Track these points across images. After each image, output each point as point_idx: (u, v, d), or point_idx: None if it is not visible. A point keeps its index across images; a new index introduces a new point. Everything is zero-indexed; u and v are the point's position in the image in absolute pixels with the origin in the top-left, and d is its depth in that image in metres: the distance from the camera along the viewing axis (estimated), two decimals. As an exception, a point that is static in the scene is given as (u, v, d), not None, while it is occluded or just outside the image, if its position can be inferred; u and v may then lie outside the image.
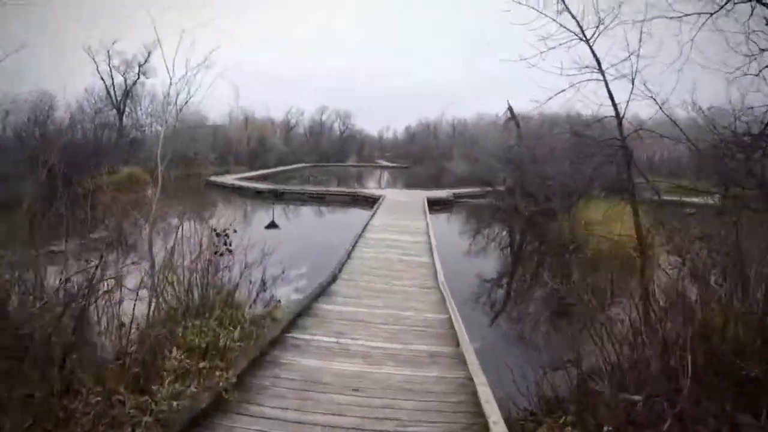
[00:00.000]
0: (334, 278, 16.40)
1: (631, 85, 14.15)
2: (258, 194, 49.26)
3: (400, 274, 18.07)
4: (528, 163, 38.54)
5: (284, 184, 55.76)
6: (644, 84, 13.67)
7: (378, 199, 42.12)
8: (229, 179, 58.17)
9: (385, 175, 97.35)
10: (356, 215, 37.96)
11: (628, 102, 14.67)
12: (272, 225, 32.50)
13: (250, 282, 13.23)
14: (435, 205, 43.19)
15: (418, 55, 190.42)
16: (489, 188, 48.22)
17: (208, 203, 46.38)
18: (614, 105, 14.88)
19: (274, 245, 15.35)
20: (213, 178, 59.24)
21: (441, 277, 17.47)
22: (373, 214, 32.99)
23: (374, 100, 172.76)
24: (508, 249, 33.75)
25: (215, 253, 12.18)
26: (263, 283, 13.47)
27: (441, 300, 14.85)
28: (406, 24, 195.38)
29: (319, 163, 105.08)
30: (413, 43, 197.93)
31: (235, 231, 12.81)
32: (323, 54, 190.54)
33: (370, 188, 58.59)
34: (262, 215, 36.88)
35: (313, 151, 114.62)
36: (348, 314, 12.83)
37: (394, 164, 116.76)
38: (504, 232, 38.44)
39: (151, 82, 73.67)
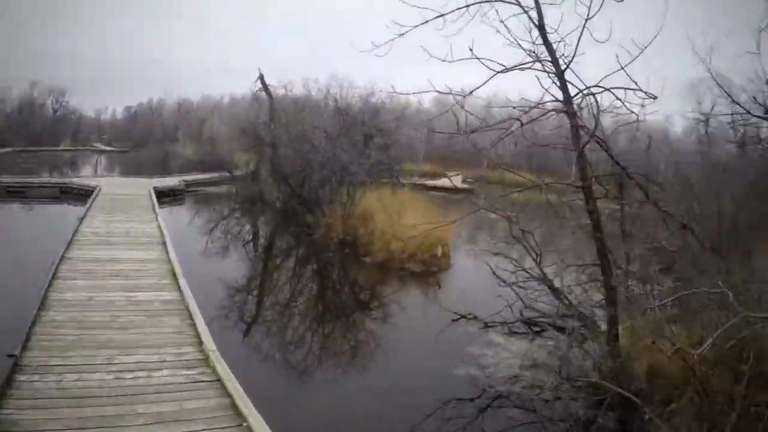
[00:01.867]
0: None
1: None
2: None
3: (134, 337, 10.28)
4: (285, 144, 31.11)
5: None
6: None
7: (92, 191, 32.81)
8: None
9: (103, 160, 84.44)
10: (64, 215, 28.41)
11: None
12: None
13: None
14: (164, 197, 35.18)
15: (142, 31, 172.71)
16: (228, 173, 40.07)
17: None
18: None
19: None
20: None
21: (210, 341, 9.89)
22: (85, 215, 24.04)
23: (91, 78, 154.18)
24: (274, 251, 26.56)
25: None
26: None
27: (235, 417, 7.50)
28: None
29: (28, 148, 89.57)
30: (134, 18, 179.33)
31: None
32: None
33: (85, 176, 46.83)
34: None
35: (22, 133, 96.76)
36: None
37: (113, 148, 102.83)
38: (261, 228, 31.10)
39: None
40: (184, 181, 41.47)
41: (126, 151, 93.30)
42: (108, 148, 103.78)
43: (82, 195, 34.20)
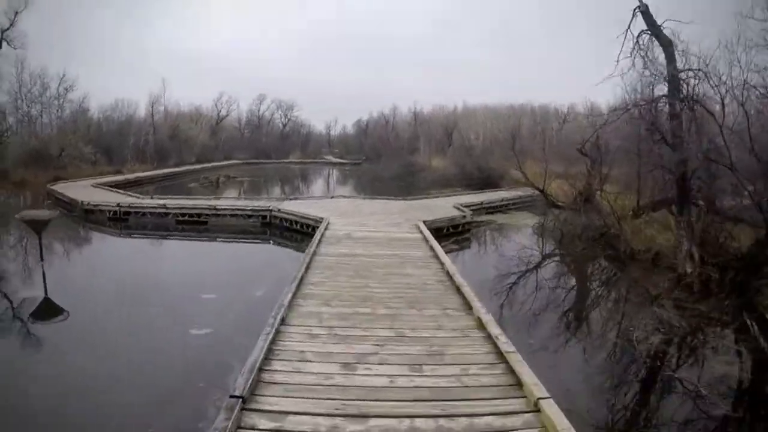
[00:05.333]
0: None
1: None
2: (89, 214, 24.04)
3: None
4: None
5: (169, 192, 31.66)
6: None
7: (315, 226, 17.27)
8: (71, 187, 32.09)
9: (335, 172, 71.99)
10: (257, 279, 13.41)
11: None
12: (45, 308, 11.48)
13: None
14: (443, 237, 18.36)
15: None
16: (537, 191, 22.38)
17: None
18: None
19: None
20: (56, 187, 32.95)
21: None
22: (284, 314, 7.75)
23: (321, 94, 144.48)
24: None
25: None
26: None
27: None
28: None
29: (254, 160, 79.90)
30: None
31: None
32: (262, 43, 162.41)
33: (307, 198, 29.62)
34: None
35: (250, 147, 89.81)
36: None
37: (345, 160, 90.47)
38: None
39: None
40: (463, 206, 23.22)
41: (358, 163, 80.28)
42: (339, 161, 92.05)
43: (297, 232, 19.16)
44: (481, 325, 7.64)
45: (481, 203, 25.84)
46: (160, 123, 66.42)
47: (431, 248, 13.56)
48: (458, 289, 9.67)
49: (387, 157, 65.65)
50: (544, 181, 22.04)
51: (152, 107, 64.97)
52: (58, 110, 54.41)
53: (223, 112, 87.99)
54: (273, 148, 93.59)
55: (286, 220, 20.23)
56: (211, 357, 8.58)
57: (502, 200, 27.30)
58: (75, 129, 50.53)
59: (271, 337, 6.65)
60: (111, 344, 9.31)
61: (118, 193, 28.77)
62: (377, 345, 6.93)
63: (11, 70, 48.20)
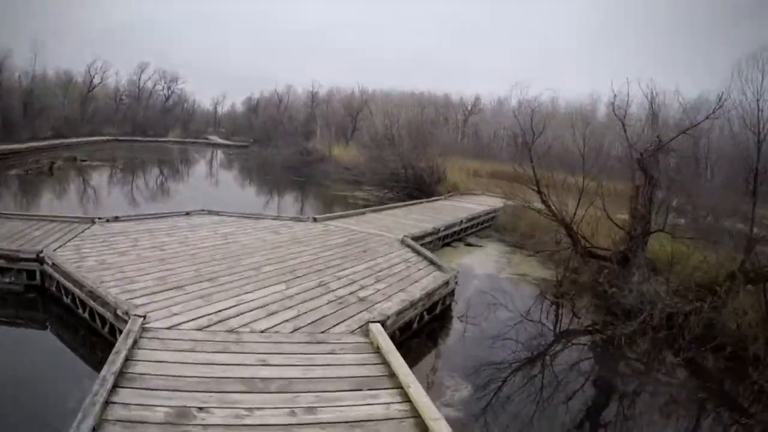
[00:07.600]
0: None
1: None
2: None
3: None
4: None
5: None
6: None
7: (118, 329, 7.17)
8: None
9: (218, 156, 61.01)
10: None
11: None
12: None
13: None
14: (411, 336, 8.59)
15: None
16: (563, 226, 13.25)
17: None
18: None
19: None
20: None
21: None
22: None
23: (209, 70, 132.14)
24: None
25: None
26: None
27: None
28: None
29: (127, 137, 67.88)
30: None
31: None
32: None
33: (144, 218, 15.22)
34: None
35: (126, 121, 76.31)
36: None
37: (231, 142, 79.98)
38: None
39: None
40: (414, 238, 13.80)
41: (246, 146, 70.68)
42: (224, 142, 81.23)
43: (88, 328, 8.18)
44: None
45: (437, 231, 15.76)
46: (13, 89, 53.19)
47: None
48: None
49: (279, 141, 55.39)
50: (575, 211, 12.15)
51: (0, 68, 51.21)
52: None
53: (97, 80, 73.41)
54: (152, 123, 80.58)
55: (68, 291, 9.01)
56: None
57: (461, 222, 17.53)
58: None
59: None
60: None
61: None
62: None
63: None
